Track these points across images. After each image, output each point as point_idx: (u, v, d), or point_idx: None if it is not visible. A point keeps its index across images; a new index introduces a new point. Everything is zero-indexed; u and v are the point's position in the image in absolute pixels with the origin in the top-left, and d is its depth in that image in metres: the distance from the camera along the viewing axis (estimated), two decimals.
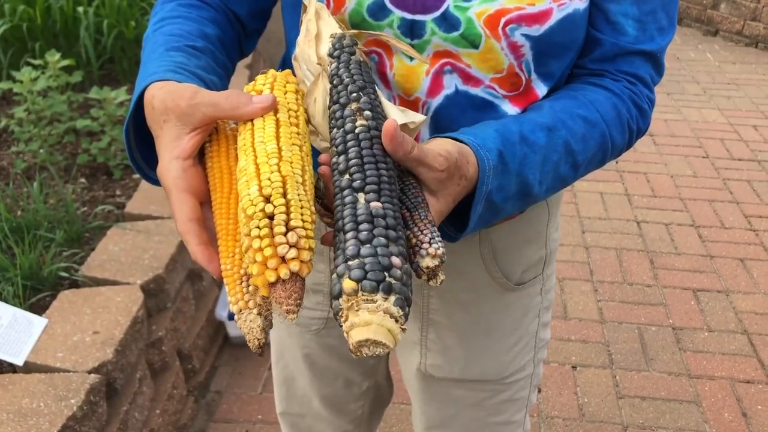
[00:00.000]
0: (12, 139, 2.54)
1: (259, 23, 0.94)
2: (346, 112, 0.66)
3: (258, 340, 0.58)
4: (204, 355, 2.15)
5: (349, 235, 0.56)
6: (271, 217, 0.55)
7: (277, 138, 0.62)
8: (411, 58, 0.79)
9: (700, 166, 3.55)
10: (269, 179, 0.58)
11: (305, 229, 0.55)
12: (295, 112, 0.66)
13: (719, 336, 2.38)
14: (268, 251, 0.53)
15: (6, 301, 1.70)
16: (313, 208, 0.58)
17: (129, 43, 2.98)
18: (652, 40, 0.82)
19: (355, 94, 0.67)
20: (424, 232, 0.60)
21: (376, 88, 0.71)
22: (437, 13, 0.77)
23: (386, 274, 0.53)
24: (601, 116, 0.80)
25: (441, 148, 0.67)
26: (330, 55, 0.72)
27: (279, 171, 0.58)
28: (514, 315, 1.02)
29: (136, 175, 2.35)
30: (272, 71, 0.71)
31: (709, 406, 2.09)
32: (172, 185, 0.64)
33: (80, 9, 2.86)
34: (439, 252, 0.58)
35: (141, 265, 1.86)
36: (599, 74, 0.84)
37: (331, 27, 0.75)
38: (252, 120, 0.64)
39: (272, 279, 0.53)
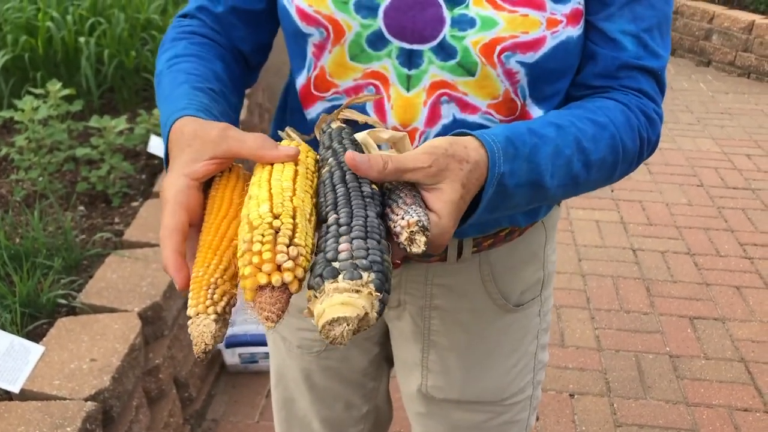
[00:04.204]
0: (12, 167, 2.56)
1: (261, 57, 0.97)
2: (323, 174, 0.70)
3: (206, 345, 0.58)
4: (200, 383, 2.14)
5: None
6: (276, 231, 0.57)
7: (294, 181, 0.65)
8: (408, 89, 0.81)
9: (694, 195, 3.58)
10: (281, 204, 0.60)
11: (306, 251, 0.57)
12: (312, 173, 0.69)
13: (716, 364, 2.38)
14: (266, 255, 0.55)
15: (3, 329, 1.70)
16: (313, 242, 0.60)
17: (129, 73, 3.01)
18: (655, 56, 0.84)
19: (324, 154, 0.71)
20: (398, 213, 0.63)
21: (347, 135, 0.73)
22: (434, 43, 0.79)
23: (331, 264, 0.56)
24: (610, 120, 0.80)
25: (425, 146, 0.68)
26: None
27: (291, 201, 0.61)
28: (514, 336, 1.03)
29: (135, 203, 2.36)
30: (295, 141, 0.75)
31: None
32: (172, 197, 0.66)
33: (81, 39, 2.90)
34: (412, 220, 0.61)
35: (139, 293, 1.87)
36: (605, 90, 0.85)
37: None
38: (272, 164, 0.67)
39: (263, 281, 0.55)
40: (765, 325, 2.57)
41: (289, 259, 0.55)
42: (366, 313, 0.54)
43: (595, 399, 2.21)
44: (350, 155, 0.64)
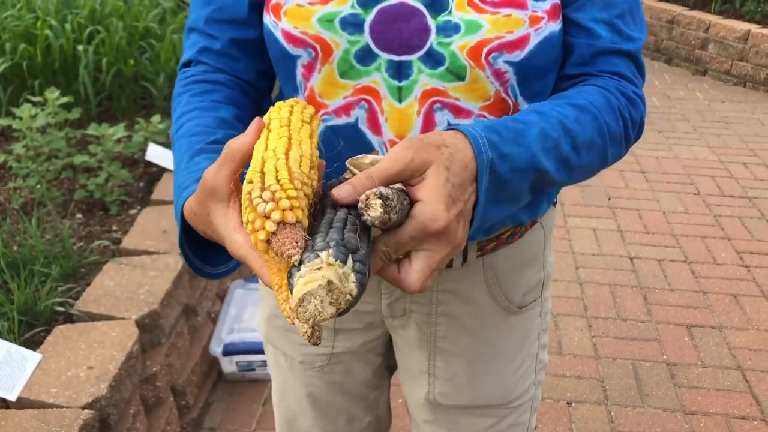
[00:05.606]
0: (10, 174, 2.56)
1: (268, 83, 0.97)
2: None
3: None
4: (198, 391, 2.14)
5: None
6: (249, 194, 0.59)
7: (266, 140, 0.66)
8: (400, 101, 0.82)
9: (691, 203, 3.59)
10: (253, 170, 0.62)
11: (279, 183, 0.58)
12: (287, 118, 0.69)
13: (713, 372, 2.38)
14: (251, 216, 0.57)
15: (0, 336, 1.70)
16: (293, 168, 0.61)
17: (127, 81, 3.02)
18: (629, 40, 0.85)
19: None
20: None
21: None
22: (422, 52, 0.80)
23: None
24: (590, 102, 0.80)
25: (401, 143, 0.67)
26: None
27: (262, 158, 0.63)
28: (517, 338, 1.04)
29: (133, 211, 2.37)
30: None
31: None
32: (246, 250, 0.64)
33: (80, 47, 2.91)
34: (369, 192, 0.63)
35: (136, 300, 1.87)
36: (583, 78, 0.86)
37: None
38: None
39: (263, 237, 0.56)
40: (762, 333, 2.58)
41: (266, 202, 0.57)
42: (329, 281, 0.55)
43: (592, 407, 2.21)
44: (334, 191, 0.64)
